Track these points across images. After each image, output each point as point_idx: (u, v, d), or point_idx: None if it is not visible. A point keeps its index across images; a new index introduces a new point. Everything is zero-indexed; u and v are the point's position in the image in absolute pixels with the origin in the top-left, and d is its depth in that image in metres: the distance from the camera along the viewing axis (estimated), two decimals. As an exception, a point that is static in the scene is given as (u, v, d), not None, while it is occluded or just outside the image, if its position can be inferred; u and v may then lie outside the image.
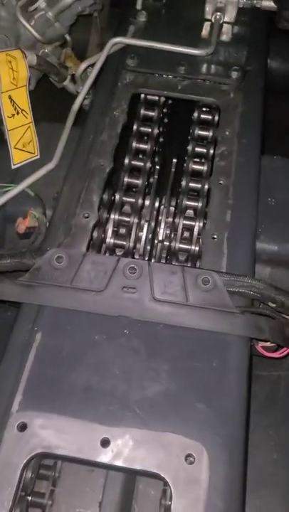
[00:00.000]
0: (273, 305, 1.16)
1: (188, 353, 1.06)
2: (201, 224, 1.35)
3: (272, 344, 1.18)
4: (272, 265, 1.38)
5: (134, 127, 1.58)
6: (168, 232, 1.42)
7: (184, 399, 1.01)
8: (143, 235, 1.40)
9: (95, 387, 1.01)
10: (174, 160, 1.64)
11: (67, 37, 1.87)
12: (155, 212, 1.44)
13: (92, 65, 1.61)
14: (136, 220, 1.39)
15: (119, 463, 0.95)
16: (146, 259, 1.40)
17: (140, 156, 1.53)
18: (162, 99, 1.64)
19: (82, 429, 0.97)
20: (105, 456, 0.95)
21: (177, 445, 0.96)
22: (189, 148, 1.53)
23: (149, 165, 1.50)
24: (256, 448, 1.62)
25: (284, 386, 1.71)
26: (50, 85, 1.92)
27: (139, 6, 1.75)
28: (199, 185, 1.44)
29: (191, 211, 1.42)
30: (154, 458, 0.95)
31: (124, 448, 0.96)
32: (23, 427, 0.97)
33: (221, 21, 1.69)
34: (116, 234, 1.39)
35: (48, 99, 1.95)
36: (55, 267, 1.14)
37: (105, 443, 0.96)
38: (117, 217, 1.38)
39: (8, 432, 0.96)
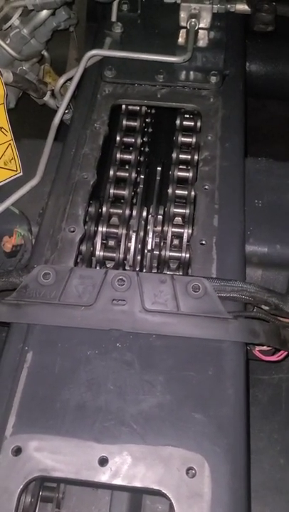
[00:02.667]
0: (267, 308, 1.14)
1: (183, 362, 1.04)
2: (190, 231, 1.34)
3: (270, 348, 1.16)
4: (264, 267, 1.36)
5: (118, 138, 1.57)
6: (157, 241, 1.40)
7: (181, 410, 0.98)
8: (132, 245, 1.38)
9: (89, 405, 0.99)
10: (159, 168, 1.63)
11: (45, 53, 1.87)
12: (143, 222, 1.43)
13: (71, 79, 1.61)
14: (124, 231, 1.37)
15: (119, 481, 0.92)
16: (137, 269, 1.38)
17: (125, 167, 1.52)
18: (144, 108, 1.64)
19: (78, 449, 0.95)
20: (104, 476, 0.93)
21: (177, 459, 0.94)
22: (173, 155, 1.52)
23: (134, 175, 1.49)
24: (262, 453, 1.60)
25: (286, 389, 1.69)
26: (32, 102, 1.92)
27: (114, 18, 1.76)
28: (186, 192, 1.43)
29: (180, 218, 1.41)
30: (155, 474, 0.93)
31: (123, 465, 0.93)
32: (17, 451, 0.94)
33: (197, 27, 1.70)
34: (105, 246, 1.37)
35: (30, 116, 1.94)
36: (42, 283, 1.12)
37: (103, 462, 0.93)
38: (105, 229, 1.37)
39: (2, 457, 0.94)
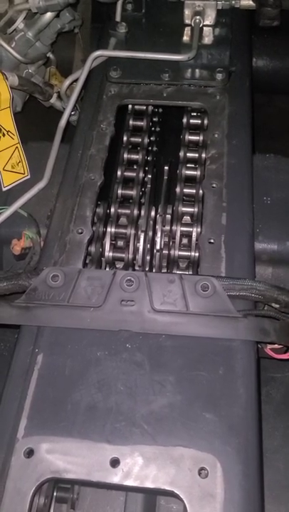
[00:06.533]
0: (277, 306, 1.13)
1: (193, 362, 1.04)
2: (199, 229, 1.33)
3: (281, 346, 1.15)
4: (274, 265, 1.35)
5: (124, 138, 1.57)
6: (166, 240, 1.40)
7: (192, 410, 0.98)
8: (141, 245, 1.38)
9: (100, 406, 0.99)
10: (166, 167, 1.63)
11: (51, 55, 1.87)
12: (151, 222, 1.42)
13: (76, 81, 1.61)
14: (133, 232, 1.37)
15: (130, 482, 0.92)
16: (147, 269, 1.38)
17: (132, 167, 1.52)
18: (150, 108, 1.64)
19: (90, 451, 0.95)
20: (116, 477, 0.92)
21: (189, 459, 0.93)
22: (181, 154, 1.51)
23: (141, 175, 1.48)
24: (276, 452, 1.58)
25: (299, 386, 1.67)
26: (38, 105, 1.92)
27: (118, 18, 1.75)
28: (193, 191, 1.42)
29: (188, 217, 1.40)
30: (167, 474, 0.92)
31: (134, 466, 0.93)
32: (30, 453, 0.95)
33: (201, 25, 1.69)
34: (114, 247, 1.37)
35: (36, 119, 1.95)
36: (51, 286, 1.12)
37: (115, 463, 0.93)
38: (113, 230, 1.37)
39: (15, 459, 0.94)
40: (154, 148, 1.77)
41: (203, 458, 0.93)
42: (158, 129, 1.82)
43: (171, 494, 0.91)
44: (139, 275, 1.12)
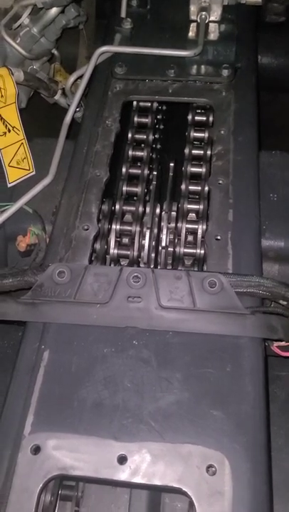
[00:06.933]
0: (285, 303, 1.12)
1: (200, 359, 1.03)
2: (204, 226, 1.32)
3: (288, 343, 1.14)
4: (280, 262, 1.34)
5: (129, 135, 1.56)
6: (171, 237, 1.39)
7: (200, 407, 0.97)
8: (146, 242, 1.37)
9: (107, 403, 0.98)
10: (172, 164, 1.62)
11: (55, 51, 1.87)
12: (157, 219, 1.42)
13: (81, 77, 1.60)
14: (138, 229, 1.36)
15: (138, 480, 0.92)
16: (152, 267, 1.37)
17: (137, 164, 1.51)
18: (155, 104, 1.63)
19: (97, 448, 0.94)
20: (123, 474, 0.92)
21: (197, 456, 0.92)
22: (186, 151, 1.51)
23: (146, 172, 1.48)
24: (282, 451, 1.57)
25: (305, 385, 1.66)
26: (41, 102, 1.92)
27: (123, 14, 1.74)
28: (199, 188, 1.42)
29: (193, 214, 1.39)
30: (174, 472, 0.92)
31: (142, 463, 0.92)
32: (36, 450, 0.94)
33: (207, 21, 1.68)
34: (119, 244, 1.37)
35: (39, 116, 1.94)
36: (57, 282, 1.11)
37: (122, 460, 0.93)
38: (118, 227, 1.36)
39: (21, 456, 0.94)
40: (158, 146, 1.76)
41: (211, 455, 0.92)
42: (162, 126, 1.82)
43: (179, 491, 0.91)
44: (146, 271, 1.12)
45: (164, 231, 1.40)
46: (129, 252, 1.35)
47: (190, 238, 1.37)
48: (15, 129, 1.39)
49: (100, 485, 1.08)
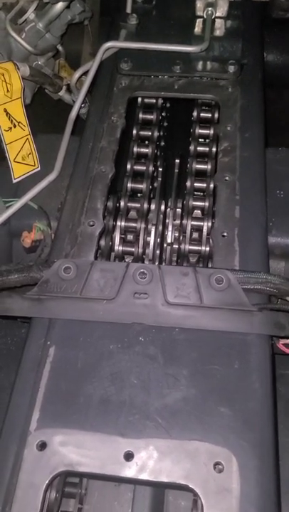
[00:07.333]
0: (292, 300, 1.12)
1: (207, 356, 1.02)
2: (210, 223, 1.31)
3: (295, 340, 1.13)
4: (287, 259, 1.33)
5: (134, 131, 1.56)
6: (176, 234, 1.39)
7: (207, 404, 0.97)
8: (151, 239, 1.37)
9: (113, 399, 0.98)
10: (177, 161, 1.61)
11: (60, 47, 1.86)
12: (162, 216, 1.41)
13: (86, 73, 1.59)
14: (143, 225, 1.36)
15: (145, 476, 0.91)
16: (157, 264, 1.36)
17: (142, 160, 1.50)
18: (160, 101, 1.62)
19: (103, 444, 0.93)
20: (130, 471, 0.91)
21: (204, 453, 0.92)
22: (191, 147, 1.50)
23: (151, 168, 1.47)
24: (285, 450, 1.57)
25: (310, 383, 1.66)
26: (46, 99, 1.91)
27: (129, 10, 1.74)
28: (204, 184, 1.41)
29: (199, 211, 1.39)
30: (181, 469, 0.91)
31: (149, 460, 0.92)
32: (42, 446, 0.94)
33: (213, 16, 1.67)
34: (124, 241, 1.36)
35: (44, 112, 1.94)
36: (63, 278, 1.11)
37: (129, 456, 0.92)
38: (123, 223, 1.35)
39: (28, 452, 0.93)
40: (163, 142, 1.75)
41: (219, 452, 0.92)
42: (167, 122, 1.81)
43: (186, 489, 0.90)
44: (152, 268, 1.11)
45: (170, 228, 1.39)
46: (134, 249, 1.35)
47: (195, 235, 1.36)
48: (20, 124, 1.39)
49: (103, 483, 1.08)
